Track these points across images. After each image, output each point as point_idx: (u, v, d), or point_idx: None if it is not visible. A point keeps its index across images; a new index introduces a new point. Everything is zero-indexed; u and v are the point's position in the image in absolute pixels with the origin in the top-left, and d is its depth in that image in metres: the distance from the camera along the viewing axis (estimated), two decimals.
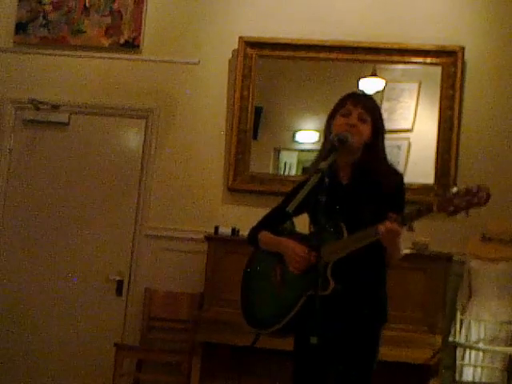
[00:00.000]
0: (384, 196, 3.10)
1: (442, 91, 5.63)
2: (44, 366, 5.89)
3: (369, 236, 2.99)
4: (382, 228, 2.93)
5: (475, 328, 5.21)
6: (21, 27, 6.20)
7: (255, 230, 3.37)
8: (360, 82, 5.77)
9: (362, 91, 5.58)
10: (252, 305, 3.33)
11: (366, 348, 3.13)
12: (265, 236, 3.32)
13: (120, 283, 5.92)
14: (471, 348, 5.16)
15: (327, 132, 3.25)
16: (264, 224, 3.37)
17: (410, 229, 2.99)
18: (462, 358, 5.18)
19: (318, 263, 2.96)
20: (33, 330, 5.94)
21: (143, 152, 6.02)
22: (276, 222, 3.33)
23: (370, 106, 3.25)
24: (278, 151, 6.02)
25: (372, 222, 2.97)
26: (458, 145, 5.58)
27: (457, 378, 5.11)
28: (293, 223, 3.36)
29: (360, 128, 3.17)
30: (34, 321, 5.94)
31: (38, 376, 5.89)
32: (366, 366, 3.13)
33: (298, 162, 5.95)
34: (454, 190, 2.86)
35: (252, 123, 5.87)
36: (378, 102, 5.36)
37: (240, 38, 5.89)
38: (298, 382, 3.21)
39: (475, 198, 2.81)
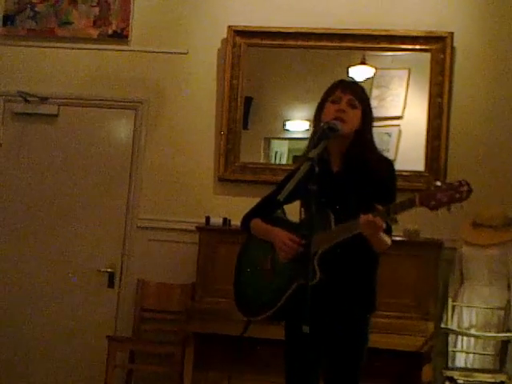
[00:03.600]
0: (375, 184, 3.09)
1: (431, 77, 5.61)
2: (37, 360, 5.87)
3: (353, 227, 2.97)
4: (362, 220, 2.91)
5: (467, 314, 5.23)
6: (8, 19, 6.17)
7: (248, 218, 3.37)
8: (350, 70, 5.76)
9: (352, 78, 5.58)
10: (244, 292, 3.34)
11: (355, 338, 3.13)
12: (256, 224, 3.33)
13: (112, 275, 5.90)
14: (463, 334, 5.18)
15: (317, 120, 3.23)
16: (256, 212, 3.37)
17: (394, 221, 2.98)
18: (455, 345, 5.20)
19: (306, 253, 2.95)
20: (25, 324, 5.91)
21: (133, 143, 6.00)
22: (268, 210, 3.33)
23: (359, 93, 3.24)
24: (268, 140, 6.01)
25: (361, 210, 2.94)
26: (447, 131, 5.57)
27: (449, 364, 5.13)
28: (284, 211, 3.35)
29: (350, 114, 3.15)
30: (25, 314, 5.92)
31: (31, 369, 5.87)
32: (356, 356, 3.13)
33: (289, 150, 5.95)
34: (437, 183, 2.85)
35: (242, 113, 5.86)
36: (368, 89, 5.42)
37: (229, 27, 5.86)
38: (290, 371, 3.20)
39: (457, 193, 2.79)
